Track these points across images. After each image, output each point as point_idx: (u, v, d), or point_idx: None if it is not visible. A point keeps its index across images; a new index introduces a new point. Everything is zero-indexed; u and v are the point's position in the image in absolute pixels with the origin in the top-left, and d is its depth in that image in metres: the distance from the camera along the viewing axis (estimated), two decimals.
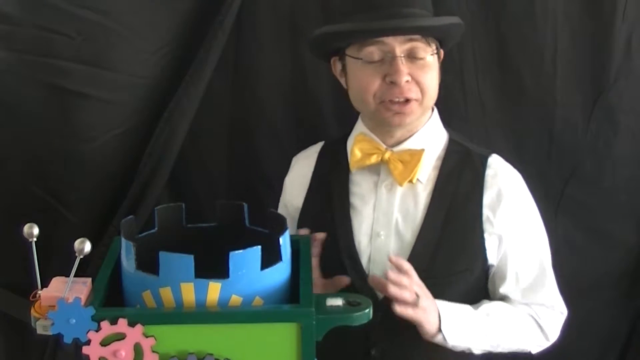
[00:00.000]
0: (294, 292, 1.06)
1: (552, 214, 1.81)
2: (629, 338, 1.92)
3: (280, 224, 1.10)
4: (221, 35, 1.69)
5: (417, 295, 1.28)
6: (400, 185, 1.41)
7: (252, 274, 0.99)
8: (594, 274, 1.85)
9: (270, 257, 1.02)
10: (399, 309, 1.27)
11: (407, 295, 1.27)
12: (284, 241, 1.05)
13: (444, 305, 1.34)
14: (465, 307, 1.38)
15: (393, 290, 1.26)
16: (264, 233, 1.16)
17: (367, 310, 1.05)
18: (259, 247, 0.99)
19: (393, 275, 1.27)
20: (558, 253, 1.62)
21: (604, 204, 1.82)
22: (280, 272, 1.04)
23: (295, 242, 1.14)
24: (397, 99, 1.37)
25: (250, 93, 1.82)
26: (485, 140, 1.71)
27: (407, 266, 1.31)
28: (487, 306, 1.41)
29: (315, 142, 1.62)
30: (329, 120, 1.81)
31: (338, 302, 1.06)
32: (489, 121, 1.79)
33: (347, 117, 1.74)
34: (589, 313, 1.86)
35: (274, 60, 1.79)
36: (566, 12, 1.72)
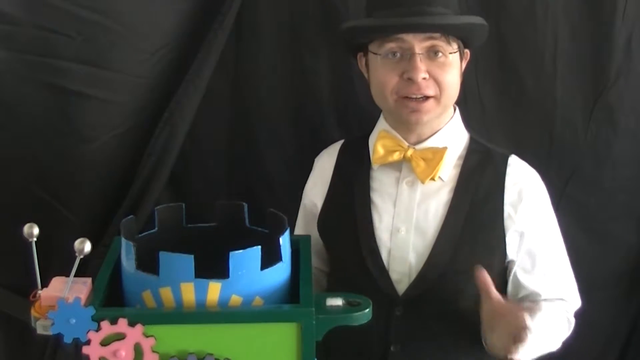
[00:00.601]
0: (294, 292, 1.06)
1: None
2: (629, 338, 1.92)
3: (280, 224, 1.10)
4: (221, 35, 1.69)
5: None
6: (423, 182, 1.42)
7: (252, 274, 1.00)
8: (594, 274, 1.85)
9: (270, 257, 1.03)
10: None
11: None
12: (284, 241, 1.05)
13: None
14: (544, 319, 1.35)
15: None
16: (264, 233, 1.17)
17: (367, 310, 1.05)
18: (259, 247, 0.99)
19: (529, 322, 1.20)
20: None
21: (604, 204, 1.82)
22: (280, 272, 1.04)
23: (295, 242, 1.14)
24: (414, 96, 1.38)
25: (250, 93, 1.82)
26: (485, 140, 1.71)
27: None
28: (548, 321, 1.38)
29: (315, 142, 1.62)
30: (329, 120, 1.81)
31: (338, 302, 1.06)
32: (489, 121, 1.79)
33: (347, 117, 1.74)
34: (589, 313, 1.86)
35: (274, 60, 1.79)
36: (566, 12, 1.72)
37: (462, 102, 1.77)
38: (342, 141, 1.60)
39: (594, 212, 1.83)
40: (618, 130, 1.78)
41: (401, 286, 1.41)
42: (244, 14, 1.73)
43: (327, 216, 1.52)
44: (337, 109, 1.79)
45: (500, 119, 1.80)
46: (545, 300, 1.45)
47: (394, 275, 1.42)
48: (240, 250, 0.98)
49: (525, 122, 1.79)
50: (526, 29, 1.73)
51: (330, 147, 1.60)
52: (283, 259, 1.04)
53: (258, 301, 1.01)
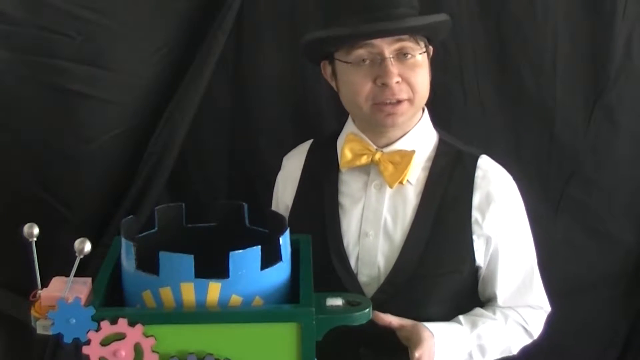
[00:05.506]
0: (294, 292, 1.06)
1: (552, 214, 1.81)
2: (629, 338, 1.92)
3: (280, 224, 1.10)
4: (221, 36, 1.70)
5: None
6: (391, 187, 1.41)
7: (252, 274, 1.00)
8: (594, 274, 1.85)
9: (270, 257, 1.03)
10: None
11: None
12: (284, 241, 1.05)
13: (439, 338, 1.34)
14: (458, 333, 1.38)
15: None
16: (264, 233, 1.17)
17: (366, 310, 1.05)
18: (259, 247, 0.99)
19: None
20: (558, 253, 1.62)
21: (604, 204, 1.82)
22: (280, 272, 1.04)
23: (295, 242, 1.14)
24: (388, 101, 1.36)
25: (250, 93, 1.82)
26: (485, 140, 1.71)
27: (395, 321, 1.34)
28: (481, 330, 1.40)
29: None
30: (329, 120, 1.81)
31: (338, 302, 1.06)
32: (489, 121, 1.79)
33: (347, 117, 1.74)
34: (589, 313, 1.86)
35: (274, 60, 1.79)
36: (566, 12, 1.72)
37: (462, 102, 1.77)
38: (310, 141, 1.58)
39: (594, 212, 1.83)
40: (618, 130, 1.78)
41: (370, 289, 1.40)
42: (244, 14, 1.73)
43: (296, 218, 1.49)
44: (337, 109, 1.79)
45: (500, 119, 1.80)
46: (499, 307, 1.44)
47: (362, 279, 1.41)
48: (240, 250, 0.98)
49: (525, 122, 1.79)
50: (526, 29, 1.73)
51: (299, 147, 1.59)
52: (283, 258, 1.04)
53: (258, 301, 1.01)
